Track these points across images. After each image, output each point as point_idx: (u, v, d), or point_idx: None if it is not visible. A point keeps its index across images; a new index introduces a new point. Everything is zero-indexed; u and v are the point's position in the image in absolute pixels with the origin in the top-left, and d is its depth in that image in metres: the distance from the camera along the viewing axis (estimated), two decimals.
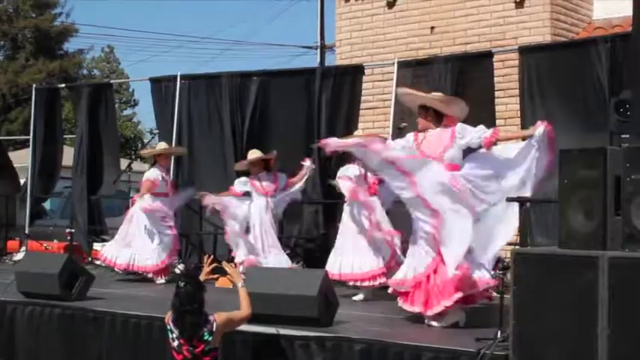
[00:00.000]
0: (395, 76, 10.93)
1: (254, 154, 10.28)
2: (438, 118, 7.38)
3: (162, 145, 11.34)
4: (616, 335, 4.90)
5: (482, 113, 9.02)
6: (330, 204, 10.86)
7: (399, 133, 8.96)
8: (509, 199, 6.82)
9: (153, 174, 10.77)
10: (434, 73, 10.39)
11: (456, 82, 10.19)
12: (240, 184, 10.20)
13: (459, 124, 7.28)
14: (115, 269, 10.66)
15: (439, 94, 7.71)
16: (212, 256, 6.71)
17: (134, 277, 10.65)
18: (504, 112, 10.69)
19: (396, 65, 11.00)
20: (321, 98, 11.38)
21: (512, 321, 5.37)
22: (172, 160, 12.04)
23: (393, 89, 10.70)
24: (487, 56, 10.45)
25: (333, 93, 11.33)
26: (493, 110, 10.15)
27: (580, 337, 5.01)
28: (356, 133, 9.57)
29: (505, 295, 6.07)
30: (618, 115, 7.70)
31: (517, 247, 6.30)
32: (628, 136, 6.49)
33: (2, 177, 14.71)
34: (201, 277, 6.22)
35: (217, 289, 8.79)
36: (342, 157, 9.36)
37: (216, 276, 7.49)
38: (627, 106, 7.23)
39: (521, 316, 5.31)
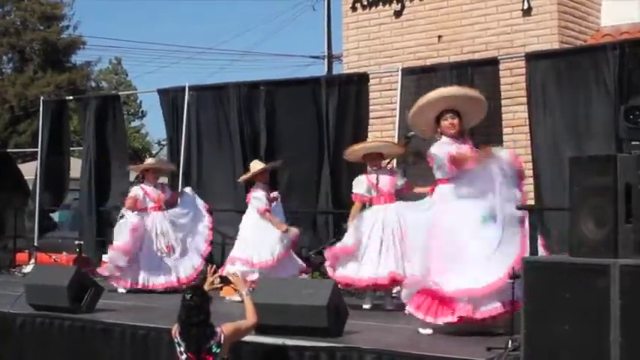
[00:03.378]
0: (399, 84, 10.91)
1: (257, 165, 10.12)
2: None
3: (149, 161, 11.43)
4: (628, 343, 4.85)
5: (489, 121, 8.96)
6: (340, 213, 10.73)
7: (407, 142, 9.04)
8: (519, 208, 6.79)
9: (134, 191, 10.87)
10: (439, 80, 10.26)
11: None
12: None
13: None
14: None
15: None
16: (214, 267, 6.72)
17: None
18: (512, 121, 10.67)
19: (400, 73, 10.98)
20: (328, 107, 11.39)
21: (523, 330, 5.33)
22: (180, 173, 12.14)
23: (398, 97, 10.78)
24: (493, 63, 10.43)
25: (340, 102, 11.31)
26: (500, 118, 10.12)
27: (592, 346, 4.96)
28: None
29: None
30: (628, 121, 7.67)
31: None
32: (638, 142, 6.44)
33: (12, 189, 14.75)
34: (206, 287, 6.20)
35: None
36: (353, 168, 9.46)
37: (219, 285, 7.45)
38: (637, 112, 7.20)
39: (532, 324, 5.26)
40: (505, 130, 10.30)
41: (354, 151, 9.27)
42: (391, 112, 11.81)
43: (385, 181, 8.93)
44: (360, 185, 9.04)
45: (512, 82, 10.83)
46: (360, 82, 11.47)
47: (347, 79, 11.77)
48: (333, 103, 11.34)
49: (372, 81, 11.65)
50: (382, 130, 12.06)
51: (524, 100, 10.08)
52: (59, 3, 39.63)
